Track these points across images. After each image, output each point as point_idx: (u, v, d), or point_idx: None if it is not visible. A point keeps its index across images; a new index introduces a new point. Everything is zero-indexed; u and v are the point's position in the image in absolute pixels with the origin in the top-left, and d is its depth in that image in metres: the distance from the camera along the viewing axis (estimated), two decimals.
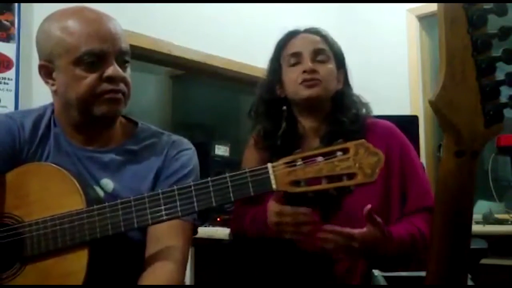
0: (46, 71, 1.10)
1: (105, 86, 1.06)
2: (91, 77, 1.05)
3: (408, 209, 1.35)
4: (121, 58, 1.09)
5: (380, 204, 1.33)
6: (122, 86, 1.08)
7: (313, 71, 1.36)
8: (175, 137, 1.21)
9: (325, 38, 1.44)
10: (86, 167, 1.12)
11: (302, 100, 1.39)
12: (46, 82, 1.12)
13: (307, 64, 1.37)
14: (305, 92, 1.37)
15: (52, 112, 1.17)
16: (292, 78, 1.39)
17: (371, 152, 0.89)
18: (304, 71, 1.36)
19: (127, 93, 1.11)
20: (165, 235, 1.06)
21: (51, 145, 1.13)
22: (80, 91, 1.05)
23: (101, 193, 1.11)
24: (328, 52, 1.41)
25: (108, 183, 1.12)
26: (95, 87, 1.05)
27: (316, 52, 1.39)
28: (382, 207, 1.33)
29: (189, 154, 1.18)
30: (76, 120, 1.11)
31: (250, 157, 1.48)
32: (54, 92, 1.12)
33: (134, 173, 1.13)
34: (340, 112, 1.40)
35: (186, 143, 1.21)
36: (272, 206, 1.19)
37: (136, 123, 1.22)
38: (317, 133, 1.42)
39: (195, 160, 1.19)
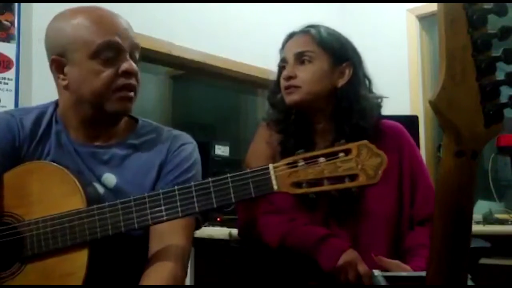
0: (58, 66, 1.10)
1: (121, 81, 1.07)
2: (108, 72, 1.06)
3: (416, 213, 1.35)
4: (134, 54, 1.12)
5: (395, 204, 1.34)
6: (135, 81, 1.11)
7: (289, 78, 1.35)
8: (175, 131, 1.22)
9: (313, 36, 1.38)
10: (87, 164, 1.12)
11: (288, 106, 1.38)
12: (57, 77, 1.12)
13: (287, 70, 1.37)
14: (286, 99, 1.37)
15: (54, 109, 1.17)
16: (281, 84, 1.40)
17: (374, 153, 0.88)
18: (283, 79, 1.37)
19: (137, 88, 1.12)
20: (168, 233, 1.06)
21: (52, 143, 1.13)
22: (96, 86, 1.06)
23: (101, 190, 1.10)
24: (313, 52, 1.36)
25: (111, 178, 1.12)
26: (112, 82, 1.07)
27: (297, 56, 1.36)
28: (396, 208, 1.34)
29: (190, 148, 1.19)
30: (86, 116, 1.11)
31: (260, 154, 1.44)
32: (65, 87, 1.11)
33: (136, 168, 1.14)
34: (344, 109, 1.36)
35: (187, 137, 1.22)
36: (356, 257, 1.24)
37: (136, 120, 1.23)
38: (327, 131, 1.39)
39: (196, 154, 1.20)
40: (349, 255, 1.23)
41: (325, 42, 1.38)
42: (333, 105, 1.38)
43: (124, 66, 1.07)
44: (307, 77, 1.35)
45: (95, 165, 1.12)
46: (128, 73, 1.08)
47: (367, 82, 1.43)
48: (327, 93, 1.37)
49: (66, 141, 1.13)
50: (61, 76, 1.10)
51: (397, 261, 1.22)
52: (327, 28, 1.42)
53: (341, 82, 1.37)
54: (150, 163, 1.15)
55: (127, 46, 1.09)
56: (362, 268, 1.22)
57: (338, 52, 1.38)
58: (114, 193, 1.08)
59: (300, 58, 1.36)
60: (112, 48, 1.06)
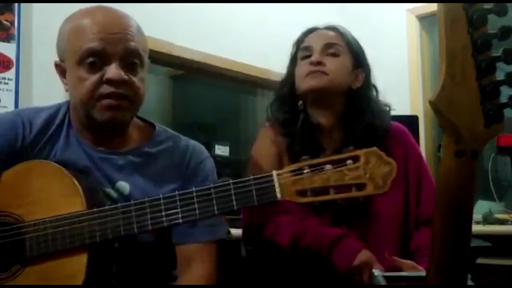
0: (60, 70, 1.10)
1: (105, 88, 1.02)
2: (92, 79, 1.02)
3: (420, 213, 1.36)
4: (128, 60, 1.04)
5: (402, 205, 1.35)
6: (125, 89, 1.03)
7: (318, 63, 1.35)
8: (192, 144, 1.19)
9: (341, 34, 1.42)
10: (101, 168, 1.09)
11: (306, 91, 1.37)
12: (62, 81, 1.11)
13: (314, 56, 1.37)
14: (308, 83, 1.36)
15: (67, 110, 1.15)
16: (300, 71, 1.40)
17: (383, 161, 0.84)
18: (311, 63, 1.36)
19: (133, 97, 1.05)
20: (195, 258, 1.08)
21: (60, 144, 1.11)
22: (82, 93, 1.03)
23: (114, 195, 1.08)
24: (341, 47, 1.39)
25: (125, 186, 1.09)
26: (95, 90, 1.02)
27: (327, 46, 1.38)
28: (403, 209, 1.35)
29: (210, 163, 1.18)
30: (84, 122, 1.09)
31: (265, 152, 1.43)
32: (67, 92, 1.10)
33: (150, 177, 1.11)
34: (357, 109, 1.37)
35: (204, 150, 1.20)
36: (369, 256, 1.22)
37: (153, 125, 1.20)
38: (333, 132, 1.39)
39: (214, 168, 1.19)
40: (365, 255, 1.22)
41: (351, 43, 1.42)
42: (344, 105, 1.40)
43: (108, 73, 1.01)
44: (335, 67, 1.37)
45: (110, 171, 1.10)
46: (112, 81, 1.01)
47: (374, 91, 1.46)
48: (344, 90, 1.39)
49: (76, 144, 1.11)
50: (64, 80, 1.10)
51: (411, 262, 1.21)
52: (348, 30, 1.46)
53: (356, 85, 1.41)
54: (165, 174, 1.12)
55: (116, 51, 1.01)
56: (377, 268, 1.21)
57: (358, 56, 1.43)
58: (128, 201, 1.06)
59: (329, 49, 1.38)
60: (96, 54, 1.01)
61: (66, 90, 1.10)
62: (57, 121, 1.13)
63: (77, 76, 1.03)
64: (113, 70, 1.01)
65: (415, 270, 1.16)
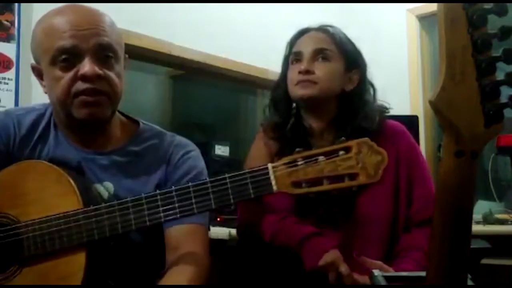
0: (38, 73, 1.09)
1: (80, 85, 1.00)
2: (66, 77, 1.01)
3: (414, 214, 1.34)
4: (101, 53, 1.02)
5: (390, 206, 1.34)
6: (101, 85, 1.02)
7: (307, 72, 1.34)
8: (178, 138, 1.19)
9: (332, 36, 1.39)
10: (90, 168, 1.10)
11: (297, 99, 1.38)
12: (40, 83, 1.10)
13: (303, 64, 1.36)
14: (298, 92, 1.36)
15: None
16: (291, 77, 1.39)
17: (374, 151, 0.86)
18: (300, 72, 1.36)
19: (110, 92, 1.04)
20: (184, 242, 1.06)
21: (51, 144, 1.11)
22: (58, 92, 1.02)
23: (105, 193, 1.08)
24: (332, 52, 1.37)
25: (109, 186, 1.09)
26: (70, 87, 1.01)
27: (317, 52, 1.37)
28: (392, 209, 1.34)
29: (193, 156, 1.16)
30: (65, 123, 1.09)
31: (257, 153, 1.46)
32: (46, 94, 1.10)
33: (135, 176, 1.11)
34: (349, 112, 1.37)
35: (189, 144, 1.19)
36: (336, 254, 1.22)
37: (138, 123, 1.19)
38: (324, 133, 1.40)
39: (201, 161, 1.18)
40: (331, 256, 1.22)
41: (343, 45, 1.40)
42: (337, 107, 1.39)
43: (82, 69, 0.99)
44: (324, 74, 1.35)
45: (97, 171, 1.10)
46: (87, 77, 0.99)
47: (371, 90, 1.45)
48: (336, 94, 1.38)
49: (66, 143, 1.11)
50: (42, 82, 1.09)
51: (380, 262, 1.21)
52: (341, 31, 1.44)
53: (349, 87, 1.40)
54: (150, 172, 1.12)
55: (87, 47, 1.00)
56: (344, 269, 1.21)
57: (351, 58, 1.41)
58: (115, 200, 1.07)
59: (319, 55, 1.37)
60: (68, 52, 1.00)
61: (45, 92, 1.09)
62: (44, 121, 1.13)
63: (52, 76, 1.02)
64: (86, 66, 1.00)
65: (384, 271, 1.16)
